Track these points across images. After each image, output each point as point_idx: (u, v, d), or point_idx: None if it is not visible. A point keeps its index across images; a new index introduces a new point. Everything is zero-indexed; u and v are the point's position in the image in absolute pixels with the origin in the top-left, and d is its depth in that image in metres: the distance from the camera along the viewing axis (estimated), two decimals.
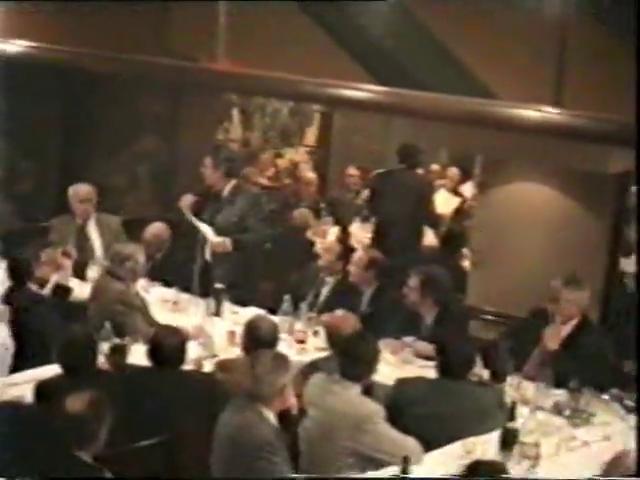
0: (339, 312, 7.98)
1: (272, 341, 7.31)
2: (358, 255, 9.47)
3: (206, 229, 9.69)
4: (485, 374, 7.37)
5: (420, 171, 12.77)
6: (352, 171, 13.60)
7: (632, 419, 7.32)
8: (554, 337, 8.20)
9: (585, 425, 7.20)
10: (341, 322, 7.77)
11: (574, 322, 8.21)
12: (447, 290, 8.81)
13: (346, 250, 9.86)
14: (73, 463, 5.44)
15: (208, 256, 9.94)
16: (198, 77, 10.20)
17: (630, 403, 7.52)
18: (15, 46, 10.66)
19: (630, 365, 7.84)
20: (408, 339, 8.45)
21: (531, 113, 8.51)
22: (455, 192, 13.61)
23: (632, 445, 6.17)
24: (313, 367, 7.29)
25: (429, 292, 8.60)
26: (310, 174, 13.86)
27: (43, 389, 6.64)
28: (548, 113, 8.43)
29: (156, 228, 10.02)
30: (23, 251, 8.86)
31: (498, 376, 7.52)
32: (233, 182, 9.92)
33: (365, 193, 12.84)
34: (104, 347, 7.51)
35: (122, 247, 9.01)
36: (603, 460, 5.76)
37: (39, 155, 12.58)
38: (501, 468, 5.22)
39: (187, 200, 9.90)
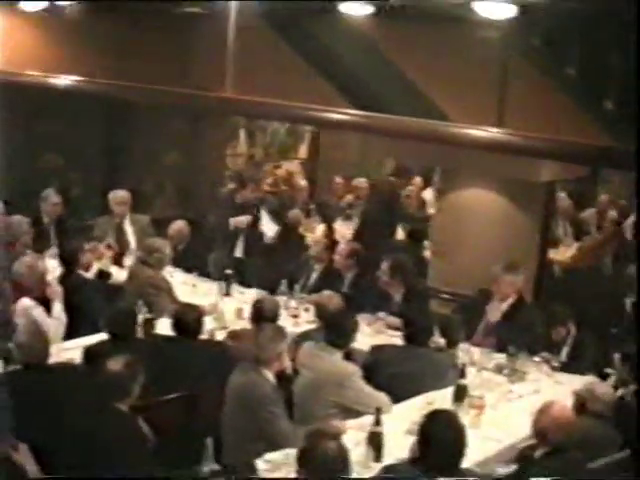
0: (326, 292, 7.99)
1: (273, 316, 7.30)
2: (341, 247, 9.46)
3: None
4: (442, 341, 7.39)
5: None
6: (338, 180, 13.60)
7: (557, 376, 7.38)
8: (495, 312, 8.28)
9: (520, 381, 7.23)
10: (327, 300, 7.81)
11: (511, 300, 8.26)
12: (411, 273, 8.85)
13: (331, 243, 9.87)
14: (113, 412, 5.46)
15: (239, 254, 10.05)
16: (211, 104, 10.19)
17: (555, 364, 7.56)
18: (65, 80, 10.64)
19: (558, 333, 7.85)
20: (381, 314, 8.46)
21: (478, 132, 8.48)
22: (419, 197, 13.60)
23: (556, 397, 6.21)
24: (304, 337, 7.30)
25: (397, 275, 8.63)
26: (302, 182, 13.85)
27: (89, 352, 6.65)
28: (492, 132, 8.43)
29: (178, 225, 9.99)
30: (72, 243, 8.91)
31: (452, 343, 7.55)
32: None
33: (348, 197, 12.89)
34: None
35: (152, 241, 9.02)
36: (534, 409, 5.78)
37: (86, 167, 12.57)
38: (453, 416, 5.24)
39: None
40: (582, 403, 6.11)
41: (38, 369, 6.14)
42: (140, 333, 7.35)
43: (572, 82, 8.79)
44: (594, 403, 6.12)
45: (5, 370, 6.32)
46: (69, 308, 7.78)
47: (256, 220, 11.01)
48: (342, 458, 4.66)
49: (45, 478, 4.65)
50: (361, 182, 13.19)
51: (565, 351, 7.81)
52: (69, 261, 8.43)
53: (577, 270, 10.43)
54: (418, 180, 13.91)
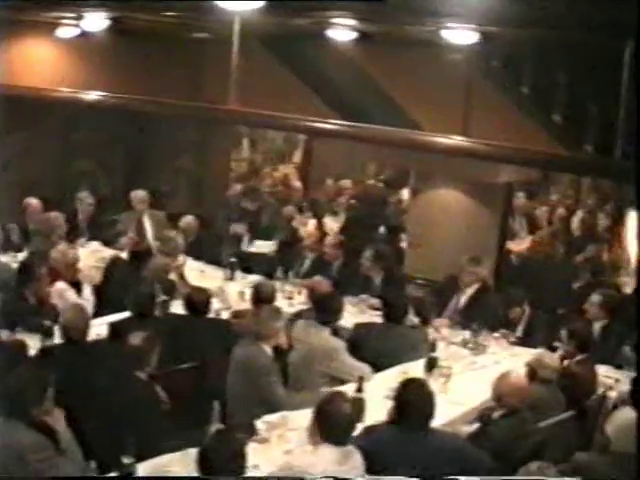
0: (317, 278, 8.02)
1: (271, 298, 7.32)
2: (329, 239, 9.46)
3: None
4: (416, 320, 7.41)
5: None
6: (329, 182, 13.61)
7: (514, 349, 7.41)
8: (462, 295, 8.30)
9: (482, 354, 7.27)
10: (318, 285, 7.83)
11: (476, 286, 8.29)
12: (389, 260, 8.87)
13: (321, 236, 9.86)
14: (134, 380, 5.49)
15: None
16: (218, 115, 10.18)
17: (512, 339, 7.60)
18: (95, 95, 10.63)
19: (515, 313, 7.89)
20: (363, 296, 8.47)
21: (446, 140, 8.48)
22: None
23: (512, 367, 6.26)
24: (298, 316, 7.33)
25: (377, 261, 8.65)
26: (296, 183, 13.84)
27: (114, 328, 6.69)
28: (458, 140, 8.44)
29: (188, 219, 9.96)
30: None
31: (424, 321, 7.58)
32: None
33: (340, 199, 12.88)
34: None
35: (168, 233, 9.05)
36: (494, 377, 5.81)
37: (112, 170, 12.55)
38: (424, 383, 5.28)
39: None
40: (533, 371, 6.15)
41: (78, 344, 6.15)
42: (159, 312, 7.37)
43: (525, 98, 8.80)
44: (542, 371, 6.16)
45: (44, 344, 6.38)
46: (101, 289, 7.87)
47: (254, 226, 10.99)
48: (352, 415, 4.72)
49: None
50: (346, 183, 13.21)
51: (520, 328, 7.86)
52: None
53: (531, 259, 10.45)
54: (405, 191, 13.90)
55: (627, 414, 5.12)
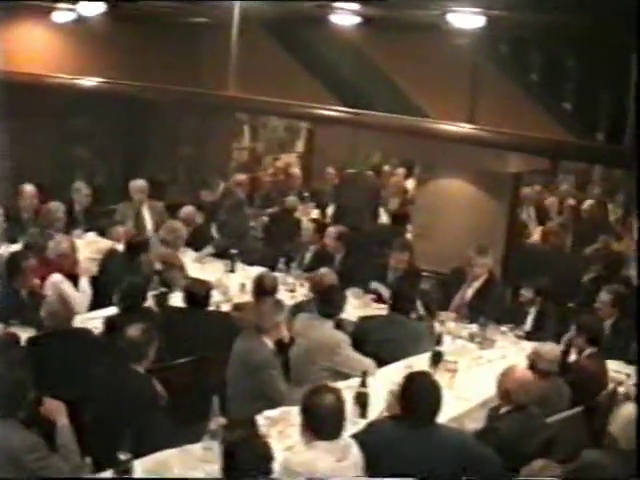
0: (322, 269, 7.96)
1: (273, 290, 7.32)
2: (330, 230, 9.45)
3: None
4: (423, 312, 7.39)
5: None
6: (330, 170, 13.59)
7: (522, 343, 7.39)
8: (469, 288, 8.29)
9: (489, 348, 7.26)
10: (323, 276, 7.81)
11: (483, 278, 8.27)
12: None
13: (322, 226, 9.82)
14: (131, 373, 5.48)
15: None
16: (217, 101, 10.17)
17: (520, 333, 7.59)
18: (91, 82, 10.60)
19: (523, 306, 7.87)
20: (374, 283, 8.43)
21: (452, 127, 8.47)
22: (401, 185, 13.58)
23: (520, 362, 6.26)
24: (298, 308, 7.31)
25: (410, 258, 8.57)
26: (298, 172, 13.84)
27: (110, 321, 6.68)
28: (464, 128, 8.42)
29: (188, 210, 9.97)
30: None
31: (430, 314, 7.58)
32: (222, 185, 10.02)
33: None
34: (152, 294, 7.58)
35: (172, 222, 9.06)
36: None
37: (109, 159, 12.56)
38: (430, 377, 5.27)
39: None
40: (532, 364, 6.14)
41: (63, 334, 6.17)
42: (155, 305, 7.37)
43: (534, 84, 8.78)
44: (540, 362, 6.15)
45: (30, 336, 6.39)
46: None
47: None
48: (340, 409, 4.66)
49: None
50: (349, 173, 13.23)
51: (529, 322, 7.85)
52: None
53: (540, 250, 10.43)
54: (401, 171, 13.89)
55: (630, 410, 5.09)
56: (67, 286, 7.48)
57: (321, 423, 4.57)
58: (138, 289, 6.93)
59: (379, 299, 8.25)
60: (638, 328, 6.76)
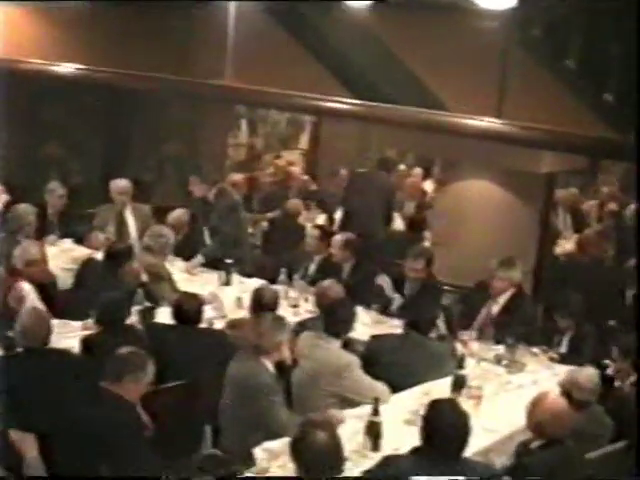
0: (327, 281, 7.94)
1: (274, 306, 7.30)
2: (337, 238, 9.44)
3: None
4: (444, 331, 7.37)
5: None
6: (338, 170, 13.58)
7: (556, 367, 7.37)
8: (494, 304, 8.27)
9: (518, 372, 7.24)
10: (329, 289, 7.82)
11: (509, 293, 8.25)
12: None
13: (328, 234, 9.80)
14: (113, 401, 5.47)
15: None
16: (211, 92, 10.19)
17: (554, 355, 7.59)
18: (67, 68, 10.62)
19: (561, 323, 7.87)
20: (380, 278, 8.49)
21: (477, 122, 8.49)
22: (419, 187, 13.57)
23: (554, 388, 6.24)
24: (302, 326, 7.30)
25: (429, 267, 8.60)
26: (300, 171, 13.85)
27: (87, 342, 6.65)
28: (491, 123, 8.43)
29: (177, 214, 9.98)
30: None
31: (452, 332, 7.56)
32: (217, 187, 10.04)
33: None
34: (137, 309, 7.58)
35: (158, 228, 9.04)
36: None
37: (87, 155, 12.57)
38: (456, 404, 5.26)
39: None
40: (567, 393, 6.12)
41: (37, 354, 6.16)
42: (139, 322, 7.38)
43: (571, 73, 8.78)
44: (577, 390, 6.12)
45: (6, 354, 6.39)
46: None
47: None
48: (333, 449, 4.65)
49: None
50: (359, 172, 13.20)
51: (564, 343, 7.83)
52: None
53: (577, 262, 10.41)
54: (418, 171, 13.90)
55: None
56: (33, 298, 7.47)
57: (311, 465, 4.58)
58: (118, 304, 6.93)
59: (384, 310, 8.32)
60: (638, 329, 6.69)
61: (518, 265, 8.30)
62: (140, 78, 10.33)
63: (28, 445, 4.88)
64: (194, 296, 7.24)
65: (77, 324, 7.33)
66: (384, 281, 8.54)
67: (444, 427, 4.91)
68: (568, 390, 6.14)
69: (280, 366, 6.28)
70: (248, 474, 5.17)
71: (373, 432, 5.66)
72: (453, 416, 4.98)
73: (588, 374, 6.29)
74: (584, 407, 6.08)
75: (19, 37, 11.15)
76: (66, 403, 5.60)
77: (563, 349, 7.77)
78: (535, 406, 5.61)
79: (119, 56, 10.85)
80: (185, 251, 9.59)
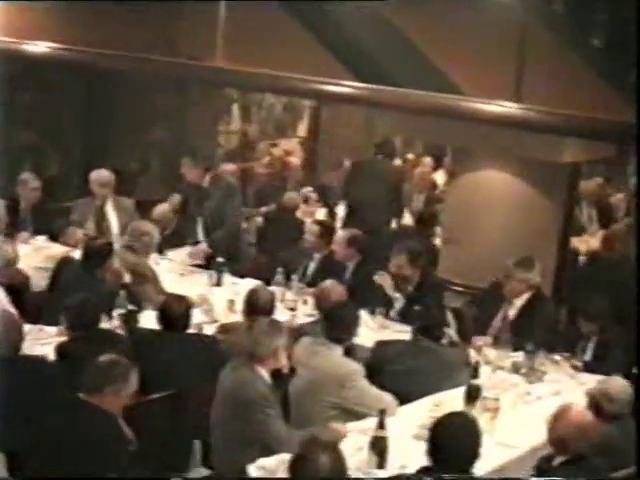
0: (328, 282, 7.97)
1: (270, 309, 7.33)
2: (340, 234, 9.44)
3: None
4: (455, 337, 7.37)
5: (397, 161, 12.82)
6: (340, 159, 13.55)
7: (580, 376, 7.40)
8: (511, 307, 8.27)
9: (538, 382, 7.25)
10: (330, 290, 7.82)
11: (527, 295, 8.26)
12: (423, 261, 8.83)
13: (329, 230, 9.80)
14: (92, 413, 5.47)
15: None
16: (200, 74, 10.17)
17: (578, 363, 7.59)
18: (39, 47, 10.60)
19: (585, 327, 7.87)
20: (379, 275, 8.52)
21: (493, 107, 8.45)
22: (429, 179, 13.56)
23: (578, 399, 6.24)
24: (300, 331, 7.32)
25: (416, 264, 8.62)
26: (298, 161, 13.84)
27: (63, 350, 6.67)
28: (508, 107, 8.40)
29: (163, 208, 10.01)
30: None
31: (464, 339, 7.56)
32: (211, 173, 10.04)
33: None
34: (118, 313, 7.58)
35: (140, 224, 9.05)
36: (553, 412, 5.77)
37: (65, 144, 12.56)
38: (470, 419, 5.25)
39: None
40: (597, 405, 6.11)
41: (10, 361, 6.16)
42: (121, 327, 7.39)
43: (596, 53, 8.76)
44: (607, 402, 6.12)
45: None
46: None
47: None
48: (339, 473, 4.65)
49: None
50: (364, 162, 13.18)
51: (589, 349, 7.84)
52: None
53: (603, 260, 10.40)
54: (427, 161, 13.89)
55: None
56: (3, 301, 7.47)
57: None
58: (90, 308, 6.92)
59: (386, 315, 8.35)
60: (638, 329, 6.67)
61: (537, 266, 8.31)
62: (123, 59, 10.28)
63: None
64: (182, 298, 7.25)
65: (52, 329, 7.34)
66: (384, 280, 8.54)
67: (454, 445, 4.91)
68: (597, 401, 6.13)
69: (276, 375, 6.28)
70: None
71: (379, 448, 5.66)
72: (466, 434, 4.98)
73: (620, 384, 6.30)
74: (614, 419, 6.08)
75: None
76: (40, 417, 5.59)
77: (587, 356, 7.78)
78: (558, 419, 5.61)
79: (101, 35, 10.82)
80: (172, 249, 9.59)
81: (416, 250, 8.69)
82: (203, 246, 9.70)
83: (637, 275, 8.77)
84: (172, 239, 9.81)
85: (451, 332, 7.27)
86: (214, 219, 9.91)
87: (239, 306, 7.74)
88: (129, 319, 7.52)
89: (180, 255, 9.73)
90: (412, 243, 8.96)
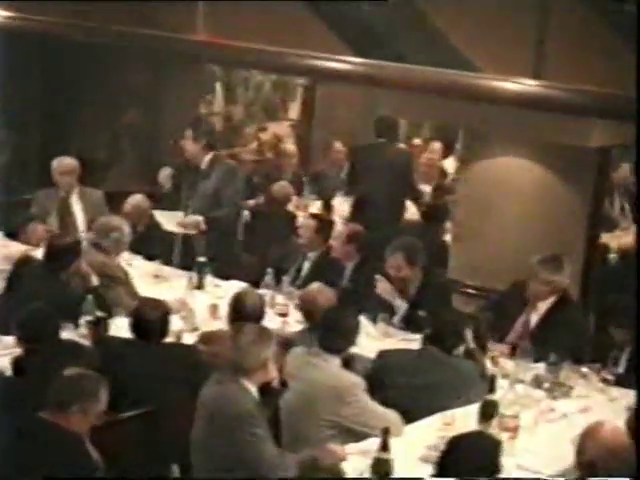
0: (314, 285, 7.97)
1: (258, 315, 7.33)
2: (339, 229, 9.47)
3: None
4: (469, 346, 7.40)
5: (402, 145, 12.80)
6: (338, 146, 13.57)
7: (611, 391, 7.38)
8: (533, 312, 8.26)
9: (564, 397, 7.25)
10: (316, 295, 7.80)
11: (553, 299, 8.24)
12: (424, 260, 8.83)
13: (327, 224, 9.81)
14: (56, 434, 5.47)
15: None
16: (180, 48, 10.17)
17: (609, 376, 7.57)
18: None
19: (617, 335, 7.86)
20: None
21: (511, 85, 8.45)
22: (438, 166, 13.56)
23: (609, 417, 6.21)
24: (292, 340, 7.33)
25: (415, 263, 8.60)
26: (291, 147, 13.84)
27: (20, 363, 6.65)
28: (528, 85, 8.40)
29: (136, 200, 9.99)
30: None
31: (481, 347, 7.55)
32: (211, 154, 10.04)
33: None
34: (85, 320, 7.58)
35: (108, 219, 9.05)
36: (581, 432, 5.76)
37: (23, 128, 12.55)
38: (488, 437, 5.25)
39: (166, 172, 10.02)
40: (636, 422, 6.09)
41: None
42: (89, 337, 7.41)
43: (627, 23, 8.72)
44: None
45: None
46: None
47: None
48: None
49: None
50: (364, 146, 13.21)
51: (622, 360, 7.82)
52: None
53: (637, 260, 10.41)
54: (437, 146, 13.87)
55: None
56: None
57: None
58: (47, 318, 6.89)
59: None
60: (638, 330, 6.77)
61: (566, 266, 8.28)
62: (91, 30, 10.29)
63: None
64: (157, 303, 7.25)
65: (10, 339, 7.30)
66: (383, 287, 8.52)
67: (468, 469, 4.90)
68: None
69: (265, 390, 6.29)
70: None
71: (381, 471, 5.67)
72: (482, 455, 4.95)
73: None
74: None
75: None
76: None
77: (620, 368, 7.76)
78: (587, 439, 5.56)
79: (69, 4, 10.79)
80: (146, 246, 9.58)
81: (413, 247, 8.68)
82: (199, 218, 9.72)
83: (637, 275, 8.79)
84: (148, 235, 9.77)
85: (466, 341, 7.26)
86: (211, 203, 9.94)
87: (223, 312, 7.76)
88: (97, 327, 7.52)
89: None
90: (407, 239, 8.93)
